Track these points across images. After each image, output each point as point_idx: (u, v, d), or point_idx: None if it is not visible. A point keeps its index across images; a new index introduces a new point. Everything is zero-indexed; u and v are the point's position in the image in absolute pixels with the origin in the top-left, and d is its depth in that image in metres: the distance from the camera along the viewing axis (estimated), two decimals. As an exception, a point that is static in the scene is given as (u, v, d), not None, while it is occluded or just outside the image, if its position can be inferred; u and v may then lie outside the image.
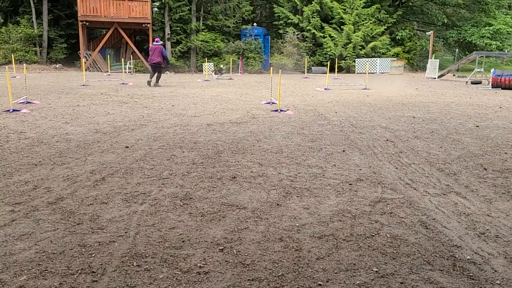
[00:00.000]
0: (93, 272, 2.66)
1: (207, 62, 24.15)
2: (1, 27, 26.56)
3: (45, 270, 2.67)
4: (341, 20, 29.19)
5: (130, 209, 3.74)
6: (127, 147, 6.13)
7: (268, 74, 25.17)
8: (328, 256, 2.92)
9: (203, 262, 2.81)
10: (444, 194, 4.19)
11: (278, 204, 3.90)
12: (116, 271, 2.68)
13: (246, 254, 2.95)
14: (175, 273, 2.67)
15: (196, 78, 21.99)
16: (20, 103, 10.34)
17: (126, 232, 3.25)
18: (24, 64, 14.86)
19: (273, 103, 11.14)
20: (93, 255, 2.88)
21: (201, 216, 3.60)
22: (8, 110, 9.17)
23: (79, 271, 2.67)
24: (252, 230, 3.34)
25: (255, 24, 29.74)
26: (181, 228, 3.36)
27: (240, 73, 26.20)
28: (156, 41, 16.48)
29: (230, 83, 18.88)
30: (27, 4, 26.88)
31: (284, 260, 2.86)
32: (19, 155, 5.57)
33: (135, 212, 3.66)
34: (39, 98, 11.54)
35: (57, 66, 26.61)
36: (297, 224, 3.45)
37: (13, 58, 20.66)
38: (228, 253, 2.95)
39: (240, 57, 26.94)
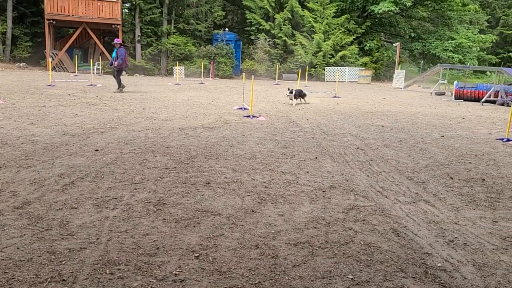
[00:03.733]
0: (63, 280, 2.56)
1: (178, 65, 23.94)
2: (-39, 22, 25.41)
3: (12, 279, 2.55)
4: (311, 28, 29.62)
5: (101, 214, 3.64)
6: (96, 150, 5.98)
7: (239, 80, 25.20)
8: (304, 263, 2.94)
9: (178, 270, 2.76)
10: (414, 202, 4.31)
11: (253, 211, 3.89)
12: (88, 279, 2.59)
13: (222, 261, 2.92)
14: (150, 281, 2.61)
15: (167, 81, 21.73)
16: (-18, 102, 9.91)
17: (97, 239, 3.16)
18: (-14, 62, 14.25)
19: (245, 108, 11.15)
20: (63, 262, 2.78)
21: (176, 222, 3.55)
22: (-31, 109, 8.78)
23: (49, 279, 2.57)
24: (227, 236, 3.32)
25: (226, 29, 29.72)
26: (155, 234, 3.29)
27: (211, 77, 26.12)
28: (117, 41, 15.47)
29: (201, 88, 18.75)
30: (-9, -1, 25.85)
31: (261, 268, 2.85)
32: (-19, 157, 5.32)
33: (106, 218, 3.56)
34: (2, 98, 11.10)
35: (21, 65, 25.67)
36: (273, 231, 3.45)
37: (-27, 55, 19.78)
38: (204, 260, 2.92)
39: (212, 62, 26.86)
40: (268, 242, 3.24)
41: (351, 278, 2.75)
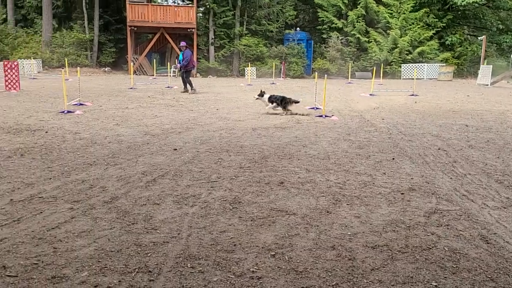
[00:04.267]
0: (149, 271, 2.72)
1: (250, 66, 24.32)
2: (55, 32, 27.91)
3: (105, 267, 2.75)
4: (387, 24, 28.57)
5: (181, 210, 3.81)
6: (175, 149, 6.26)
7: (310, 79, 25.01)
8: (384, 267, 2.84)
9: (255, 267, 2.81)
10: (505, 208, 3.99)
11: (328, 212, 3.85)
12: (171, 272, 2.72)
13: (298, 261, 2.92)
14: (229, 277, 2.68)
15: (239, 82, 22.17)
16: (74, 104, 10.78)
17: (178, 234, 3.31)
18: (79, 68, 15.51)
19: (317, 108, 11.05)
20: (149, 254, 2.95)
21: (251, 220, 3.61)
22: (63, 111, 9.60)
23: (136, 269, 2.74)
24: (303, 237, 3.31)
25: (298, 28, 29.65)
26: (232, 232, 3.37)
27: (282, 77, 26.20)
28: (182, 44, 15.95)
29: (272, 88, 18.89)
30: (80, 10, 28.12)
31: (338, 269, 2.81)
32: (75, 154, 5.80)
33: (186, 214, 3.72)
34: (91, 100, 12.01)
35: (106, 69, 27.65)
36: (349, 233, 3.38)
37: (66, 62, 21.64)
38: (280, 259, 2.94)
39: (283, 62, 26.95)
40: (344, 244, 3.18)
41: (435, 285, 2.62)
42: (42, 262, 2.81)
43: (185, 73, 15.46)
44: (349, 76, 25.23)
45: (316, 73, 12.94)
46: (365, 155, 6.11)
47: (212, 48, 27.43)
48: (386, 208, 3.96)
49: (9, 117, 8.70)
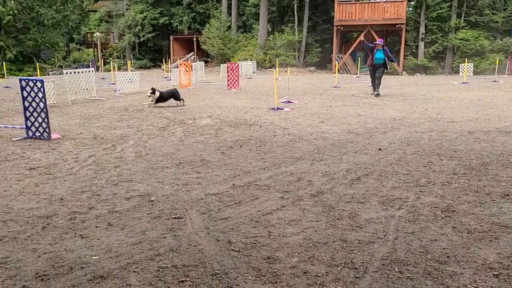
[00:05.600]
0: (355, 268, 2.73)
1: (466, 62, 21.93)
2: (269, 35, 30.70)
3: (312, 257, 2.89)
4: None
5: (387, 212, 3.70)
6: (380, 149, 6.12)
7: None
8: None
9: (473, 284, 2.52)
10: None
11: None
12: (378, 272, 2.68)
13: (528, 288, 2.49)
14: (441, 290, 2.48)
15: (451, 80, 20.25)
16: (282, 102, 11.66)
17: (384, 235, 3.22)
18: (289, 68, 16.70)
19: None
20: (354, 251, 2.96)
21: (468, 233, 3.25)
22: (274, 108, 10.48)
23: (342, 264, 2.79)
24: (535, 261, 2.81)
25: (530, 16, 25.29)
26: (445, 242, 3.10)
27: (507, 74, 22.73)
28: (380, 41, 14.00)
29: (494, 86, 16.61)
30: (292, 13, 30.21)
31: None
32: (284, 148, 6.27)
33: (392, 217, 3.59)
34: (297, 98, 12.77)
35: (311, 69, 29.01)
36: None
37: (276, 62, 23.60)
38: (505, 281, 2.56)
39: (509, 57, 23.34)
40: None
41: None
42: (259, 242, 3.13)
43: (382, 72, 13.61)
44: None
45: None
46: None
47: (421, 44, 25.81)
48: None
49: (230, 112, 9.98)
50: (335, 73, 19.23)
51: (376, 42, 13.80)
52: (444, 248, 3.00)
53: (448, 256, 2.87)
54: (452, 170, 4.96)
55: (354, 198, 4.07)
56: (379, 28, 26.59)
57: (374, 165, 5.27)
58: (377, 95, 13.35)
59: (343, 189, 4.35)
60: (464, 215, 3.61)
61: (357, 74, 24.14)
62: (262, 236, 3.23)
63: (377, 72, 13.51)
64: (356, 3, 26.91)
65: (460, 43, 24.72)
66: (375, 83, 13.68)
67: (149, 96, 11.19)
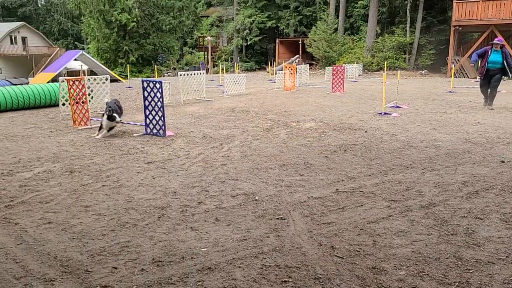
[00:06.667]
0: (471, 290, 2.51)
1: None
2: (377, 37, 29.64)
3: (422, 272, 2.72)
4: None
5: (510, 232, 3.34)
6: (502, 161, 5.54)
7: None
8: None
9: None
10: None
11: None
12: (498, 298, 2.43)
13: None
14: None
15: None
16: (390, 107, 11.16)
17: (507, 257, 2.91)
18: (399, 71, 15.95)
19: None
20: (471, 271, 2.72)
21: None
22: (380, 113, 10.08)
23: (457, 283, 2.58)
24: None
25: None
26: None
27: None
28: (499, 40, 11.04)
29: None
30: (404, 13, 28.80)
31: None
32: (392, 155, 5.99)
33: (516, 237, 3.23)
34: (407, 103, 12.12)
35: (423, 72, 27.34)
36: None
37: (385, 65, 22.68)
38: None
39: None
40: None
41: None
42: (364, 251, 3.03)
43: (499, 80, 10.74)
44: None
45: None
46: None
47: (555, 45, 22.79)
48: None
49: (334, 116, 9.83)
50: (450, 77, 17.87)
51: (494, 42, 10.81)
52: None
53: None
54: None
55: (471, 213, 3.74)
56: (506, 28, 24.06)
57: (495, 178, 4.79)
58: (490, 108, 10.75)
59: (458, 202, 4.03)
60: None
61: (476, 78, 22.14)
62: (367, 245, 3.13)
63: (492, 80, 10.67)
64: (479, 1, 24.72)
65: None
66: (489, 93, 10.89)
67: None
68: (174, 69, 34.72)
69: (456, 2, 24.30)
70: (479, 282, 2.58)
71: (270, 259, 2.92)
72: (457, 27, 24.59)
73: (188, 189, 4.50)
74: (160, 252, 3.03)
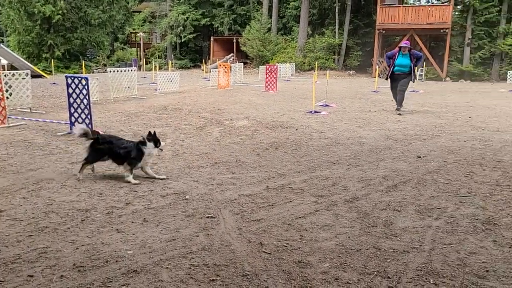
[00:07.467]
0: (388, 277, 2.67)
1: (514, 69, 20.98)
2: (309, 38, 30.53)
3: (345, 263, 2.85)
4: None
5: (424, 222, 3.59)
6: (419, 157, 5.95)
7: None
8: None
9: (514, 303, 2.40)
10: None
11: None
12: (412, 283, 2.60)
13: None
14: (478, 306, 2.38)
15: (498, 87, 19.42)
16: (320, 105, 11.55)
17: (420, 245, 3.13)
18: (328, 71, 16.53)
19: None
20: (388, 260, 2.90)
21: (510, 247, 3.11)
22: (311, 112, 10.40)
23: (375, 272, 2.73)
24: None
25: None
26: (484, 255, 2.98)
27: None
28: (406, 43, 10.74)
29: (543, 95, 15.81)
30: (333, 16, 29.92)
31: None
32: (320, 152, 6.21)
33: (429, 227, 3.49)
34: (335, 102, 12.62)
35: (351, 72, 28.60)
36: None
37: (316, 65, 23.41)
38: (549, 301, 2.43)
39: (560, 64, 22.17)
40: None
41: None
42: (291, 246, 3.11)
43: (406, 83, 10.46)
44: None
45: None
46: None
47: (467, 50, 24.89)
48: None
49: (267, 114, 9.99)
50: (375, 77, 18.86)
51: (401, 45, 10.53)
52: (483, 262, 2.88)
53: (487, 271, 2.76)
54: (495, 181, 4.75)
55: (390, 206, 3.97)
56: (423, 33, 25.87)
57: (412, 172, 5.13)
58: (398, 113, 10.33)
59: (379, 196, 4.26)
60: (507, 228, 3.45)
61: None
62: (294, 240, 3.22)
63: (399, 84, 10.36)
64: (399, 6, 26.33)
65: (509, 49, 23.66)
66: (398, 97, 10.47)
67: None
68: (104, 65, 33.31)
69: (380, 7, 25.69)
70: (395, 271, 2.75)
71: (199, 258, 2.90)
72: (381, 30, 26.01)
73: (116, 190, 4.34)
74: (82, 256, 2.89)
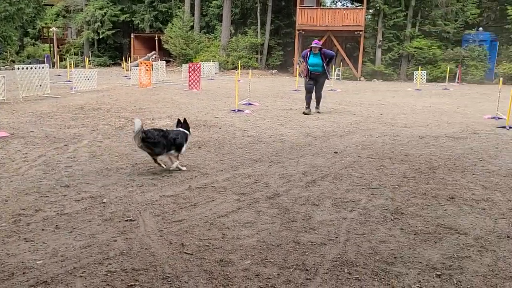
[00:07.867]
0: (306, 270, 2.77)
1: (420, 70, 22.76)
2: (232, 37, 30.67)
3: (265, 259, 2.91)
4: None
5: (339, 214, 3.78)
6: (336, 152, 6.25)
7: (491, 85, 22.24)
8: None
9: (417, 285, 2.61)
10: None
11: (508, 237, 3.35)
12: (328, 274, 2.72)
13: (468, 286, 2.61)
14: (387, 290, 2.56)
15: (406, 86, 20.99)
16: (243, 104, 11.66)
17: (336, 237, 3.29)
18: (250, 70, 16.74)
19: (499, 118, 9.73)
20: (306, 253, 3.00)
21: (414, 234, 3.38)
22: (234, 110, 10.47)
23: (294, 266, 2.82)
24: (475, 260, 2.95)
25: (480, 28, 26.55)
26: (392, 243, 3.21)
27: (457, 82, 23.83)
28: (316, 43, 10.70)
29: (445, 94, 17.37)
30: (254, 16, 30.34)
31: (519, 305, 2.42)
32: (243, 150, 6.27)
33: (344, 219, 3.67)
34: (258, 101, 12.82)
35: (273, 72, 29.22)
36: (536, 265, 2.89)
37: (239, 64, 23.59)
38: (447, 281, 2.67)
39: (459, 65, 24.48)
40: (529, 277, 2.73)
41: None
42: (213, 245, 3.11)
43: (323, 81, 10.69)
44: (542, 82, 21.57)
45: (501, 78, 11.39)
46: (561, 176, 5.14)
47: (379, 51, 26.57)
48: None
49: (190, 113, 9.88)
50: (295, 76, 19.46)
51: (312, 45, 10.54)
52: (392, 249, 3.10)
53: (395, 257, 2.97)
54: (402, 174, 5.13)
55: (309, 201, 4.13)
56: (339, 34, 27.16)
57: (329, 168, 5.37)
58: (317, 111, 10.62)
59: (299, 191, 4.41)
60: (412, 217, 3.74)
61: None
62: (216, 239, 3.22)
63: (317, 84, 10.53)
64: (317, 8, 27.42)
65: (415, 51, 25.65)
66: (316, 96, 10.66)
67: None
68: (13, 61, 30.77)
69: (300, 8, 26.55)
70: (313, 263, 2.86)
71: (117, 264, 2.79)
72: (301, 31, 26.89)
73: (24, 196, 4.03)
74: (-16, 270, 2.64)
